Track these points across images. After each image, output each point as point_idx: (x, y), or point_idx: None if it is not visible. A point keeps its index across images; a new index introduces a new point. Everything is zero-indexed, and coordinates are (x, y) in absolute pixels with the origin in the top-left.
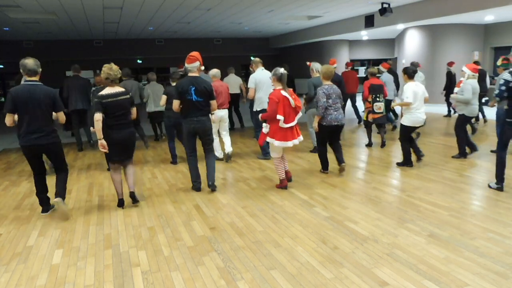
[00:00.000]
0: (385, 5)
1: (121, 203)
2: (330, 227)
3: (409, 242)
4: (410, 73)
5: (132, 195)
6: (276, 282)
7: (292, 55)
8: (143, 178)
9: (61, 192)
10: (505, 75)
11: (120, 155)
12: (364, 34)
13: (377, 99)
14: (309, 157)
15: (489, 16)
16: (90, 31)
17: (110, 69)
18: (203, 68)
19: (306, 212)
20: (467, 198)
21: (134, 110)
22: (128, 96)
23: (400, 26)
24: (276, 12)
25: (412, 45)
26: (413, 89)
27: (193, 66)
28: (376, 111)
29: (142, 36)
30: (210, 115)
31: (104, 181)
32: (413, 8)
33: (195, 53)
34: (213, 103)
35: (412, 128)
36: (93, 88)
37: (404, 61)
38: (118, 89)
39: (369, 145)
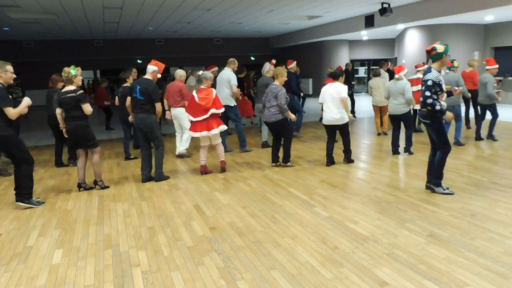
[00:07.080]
0: (385, 5)
1: (78, 186)
2: (330, 227)
3: (409, 242)
4: (334, 75)
5: (95, 182)
6: (276, 282)
7: (292, 55)
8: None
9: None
10: None
11: (73, 143)
12: (364, 34)
13: None
14: (309, 157)
15: (489, 16)
16: (90, 31)
17: (63, 71)
18: (158, 76)
19: (306, 212)
20: (467, 198)
21: (84, 107)
22: (74, 94)
23: (400, 26)
24: (276, 12)
25: (412, 45)
26: (322, 90)
27: (149, 68)
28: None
29: (142, 36)
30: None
31: (104, 181)
32: (413, 8)
33: (157, 62)
34: (156, 105)
35: (325, 126)
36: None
37: (404, 61)
38: (69, 87)
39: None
